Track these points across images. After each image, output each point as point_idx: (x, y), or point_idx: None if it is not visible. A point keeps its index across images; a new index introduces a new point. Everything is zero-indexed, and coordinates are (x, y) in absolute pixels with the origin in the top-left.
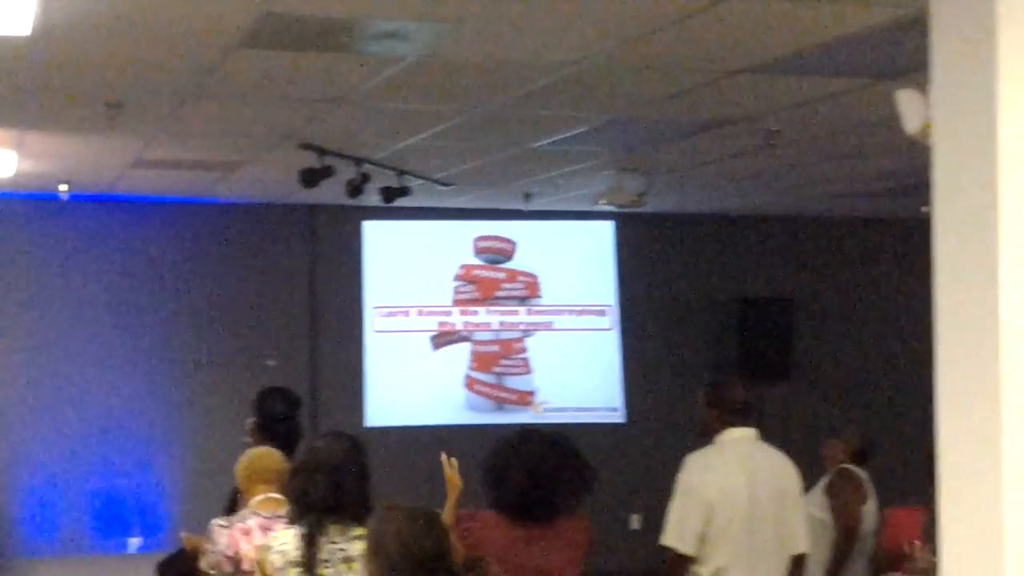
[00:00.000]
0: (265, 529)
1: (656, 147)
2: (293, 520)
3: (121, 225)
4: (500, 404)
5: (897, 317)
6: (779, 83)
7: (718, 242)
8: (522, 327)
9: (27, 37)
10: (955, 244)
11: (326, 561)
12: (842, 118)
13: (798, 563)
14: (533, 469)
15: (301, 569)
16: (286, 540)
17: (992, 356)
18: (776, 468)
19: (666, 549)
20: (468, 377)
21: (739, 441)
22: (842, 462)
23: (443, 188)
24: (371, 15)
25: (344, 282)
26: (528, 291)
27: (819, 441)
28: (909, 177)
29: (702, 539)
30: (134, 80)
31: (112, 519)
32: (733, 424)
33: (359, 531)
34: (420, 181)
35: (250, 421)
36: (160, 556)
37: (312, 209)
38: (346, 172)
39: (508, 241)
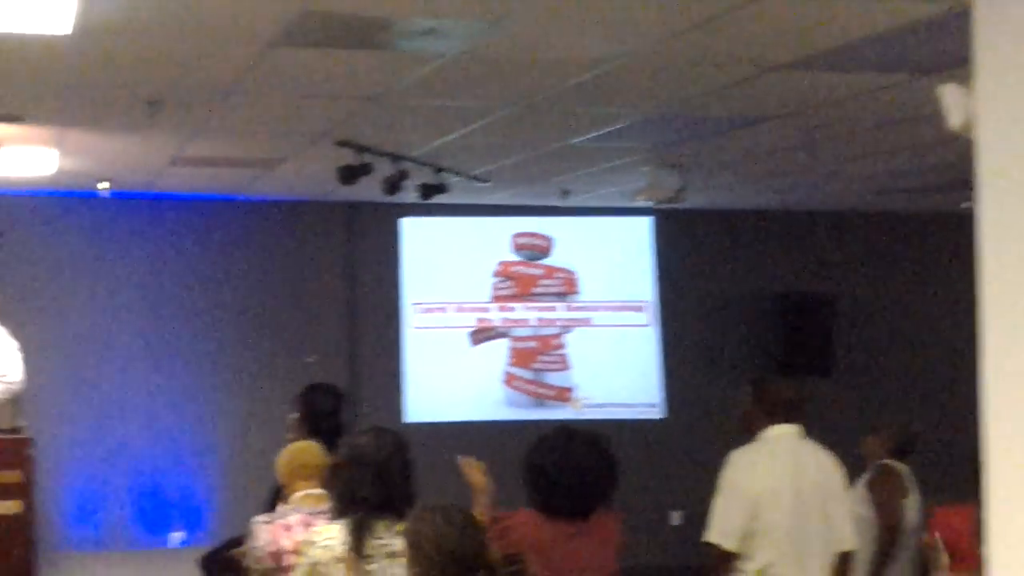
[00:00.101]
0: (307, 524)
1: (695, 143)
2: (336, 516)
3: (161, 223)
4: (539, 400)
5: (939, 312)
6: (819, 78)
7: (757, 238)
8: (560, 323)
9: (68, 36)
10: (1000, 239)
11: (371, 556)
12: (882, 113)
13: (845, 560)
14: (574, 466)
15: (347, 564)
16: (331, 535)
17: None
18: (820, 465)
19: (710, 546)
20: (507, 373)
21: (783, 438)
22: (882, 458)
23: (481, 185)
24: (410, 12)
25: (382, 279)
26: (566, 287)
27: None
28: (950, 172)
29: (746, 536)
30: (174, 78)
31: (154, 514)
32: (778, 421)
33: (403, 526)
34: (458, 178)
35: (292, 417)
36: (202, 550)
37: (350, 206)
38: (384, 169)
39: (546, 237)
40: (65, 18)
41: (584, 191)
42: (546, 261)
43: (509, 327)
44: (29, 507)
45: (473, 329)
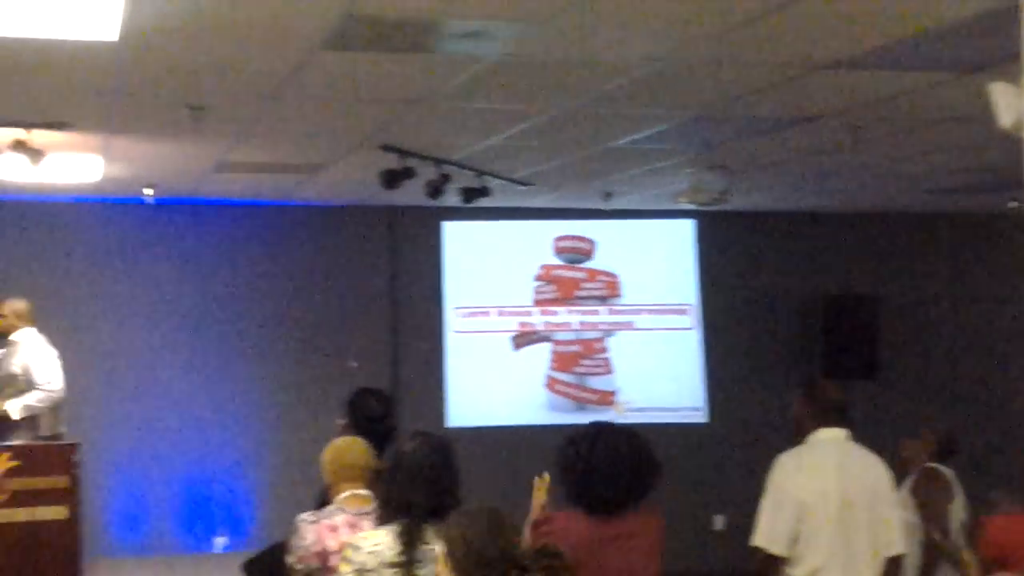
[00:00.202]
0: (352, 526)
1: (738, 144)
2: (383, 521)
3: (205, 228)
4: (581, 404)
5: (985, 313)
6: (865, 77)
7: (801, 240)
8: (603, 327)
9: (114, 42)
10: None
11: (421, 562)
12: (928, 112)
13: (894, 565)
14: (602, 459)
15: (397, 570)
16: (378, 541)
17: None
18: (869, 469)
19: (756, 550)
20: (549, 377)
21: (831, 441)
22: (925, 462)
23: (523, 188)
24: (453, 16)
25: (424, 283)
26: (608, 290)
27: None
28: (998, 172)
29: (794, 540)
30: (218, 83)
31: (198, 519)
32: (826, 424)
33: None
34: (500, 181)
35: (340, 422)
36: (245, 555)
37: (392, 210)
38: (426, 173)
39: (588, 240)
40: (112, 24)
41: (627, 193)
42: (588, 264)
43: (551, 331)
44: (75, 512)
45: (515, 333)
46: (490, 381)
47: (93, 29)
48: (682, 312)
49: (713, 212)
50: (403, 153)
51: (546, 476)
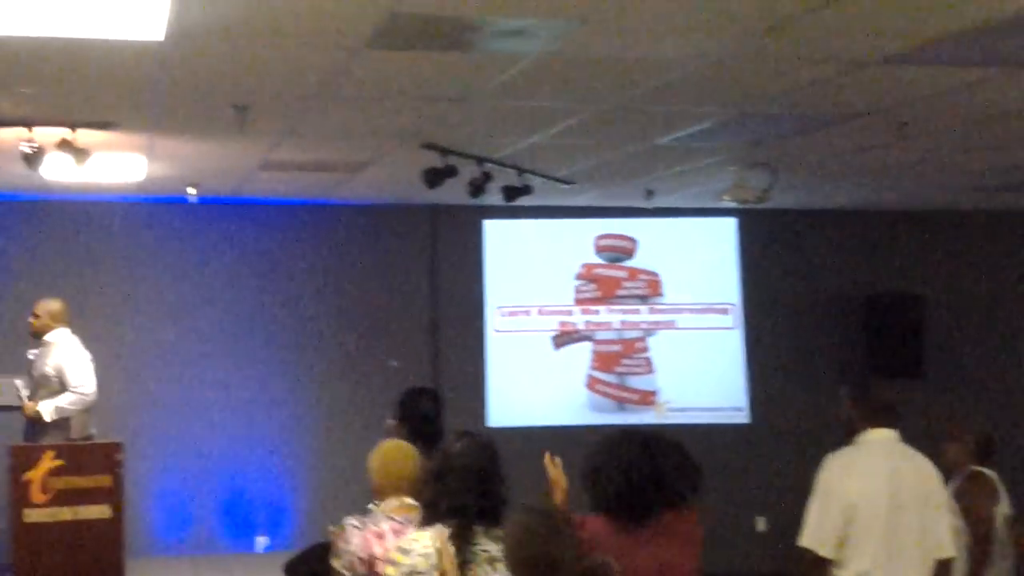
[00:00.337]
0: (397, 532)
1: (782, 142)
2: (427, 522)
3: (248, 227)
4: (622, 404)
5: None
6: (910, 74)
7: (844, 238)
8: (644, 326)
9: (160, 42)
10: None
11: (471, 563)
12: (976, 108)
13: (943, 568)
14: (625, 468)
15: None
16: (427, 543)
17: None
18: (918, 470)
19: (804, 551)
20: (590, 377)
21: (880, 442)
22: (967, 464)
23: (564, 186)
24: (496, 13)
25: (465, 282)
26: (650, 290)
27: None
28: None
29: (842, 541)
30: (262, 83)
31: (240, 519)
32: (875, 425)
33: (500, 532)
34: (541, 180)
35: (391, 422)
36: (287, 556)
37: (433, 209)
38: (468, 172)
39: (629, 239)
40: (158, 24)
41: (669, 191)
42: (629, 263)
43: (592, 330)
44: (118, 512)
45: (556, 332)
46: (530, 381)
47: (139, 29)
48: (724, 311)
49: (755, 210)
50: (445, 152)
51: (558, 460)
